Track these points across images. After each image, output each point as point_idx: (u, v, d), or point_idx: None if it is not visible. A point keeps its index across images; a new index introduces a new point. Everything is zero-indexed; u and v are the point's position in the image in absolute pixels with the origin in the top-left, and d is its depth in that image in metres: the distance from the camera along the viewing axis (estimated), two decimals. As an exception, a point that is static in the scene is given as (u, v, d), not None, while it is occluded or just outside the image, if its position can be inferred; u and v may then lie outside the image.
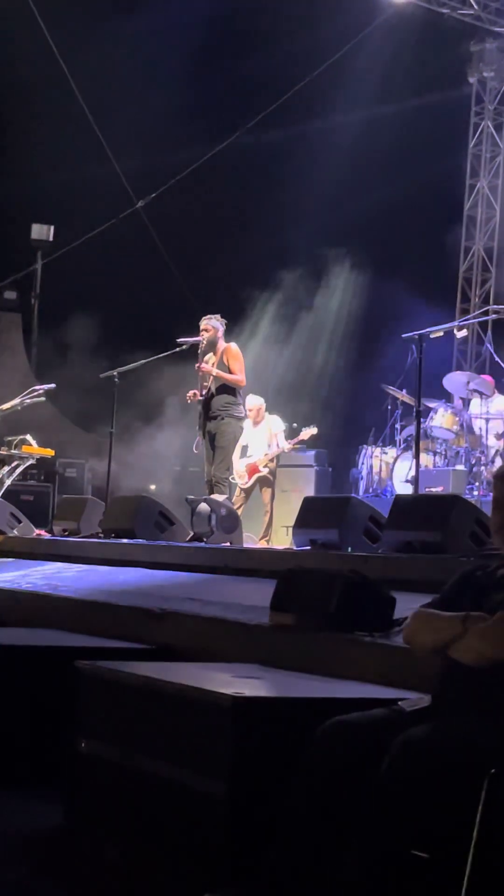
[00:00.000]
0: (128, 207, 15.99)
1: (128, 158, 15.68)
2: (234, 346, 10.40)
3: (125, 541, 8.45)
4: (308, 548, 7.27)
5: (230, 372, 10.20)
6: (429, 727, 3.12)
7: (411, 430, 11.69)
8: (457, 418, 12.01)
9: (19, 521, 9.91)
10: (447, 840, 2.96)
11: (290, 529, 8.34)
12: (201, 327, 10.43)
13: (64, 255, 16.57)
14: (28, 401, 11.34)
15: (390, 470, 12.16)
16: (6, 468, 11.30)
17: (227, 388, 10.20)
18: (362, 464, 12.75)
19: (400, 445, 12.47)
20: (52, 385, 11.73)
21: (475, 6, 16.56)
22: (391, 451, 12.46)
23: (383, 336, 14.56)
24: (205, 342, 10.34)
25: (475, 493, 10.85)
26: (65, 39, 15.13)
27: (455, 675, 3.30)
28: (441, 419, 11.97)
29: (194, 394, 10.32)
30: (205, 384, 10.25)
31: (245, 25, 15.88)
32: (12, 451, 11.37)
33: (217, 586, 6.53)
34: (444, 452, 12.08)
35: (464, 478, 11.38)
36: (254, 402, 11.91)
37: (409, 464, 11.33)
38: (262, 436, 12.08)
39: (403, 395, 12.44)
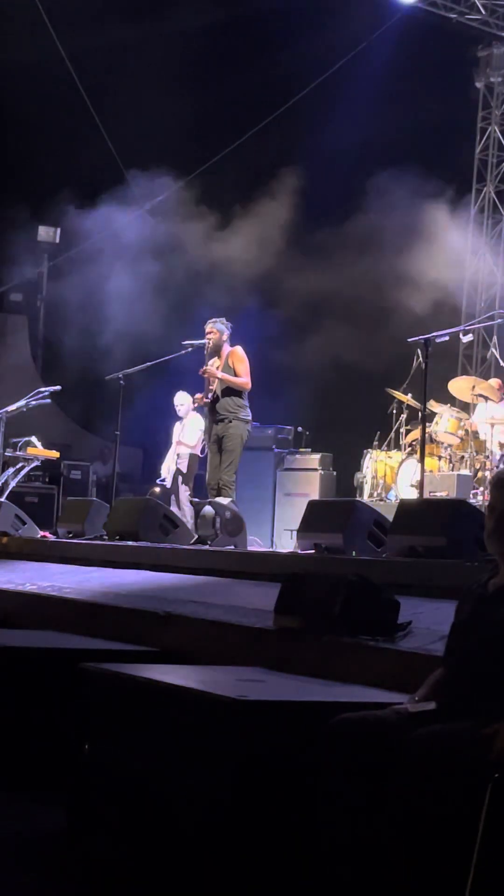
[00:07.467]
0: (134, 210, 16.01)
1: (134, 162, 15.69)
2: (239, 349, 10.37)
3: (129, 543, 8.45)
4: (312, 552, 7.27)
5: (235, 375, 10.18)
6: (434, 731, 3.13)
7: (416, 434, 11.69)
8: (462, 423, 12.01)
9: (24, 523, 9.92)
10: (451, 842, 2.97)
11: (295, 533, 8.33)
12: (206, 330, 10.42)
13: (69, 257, 16.58)
14: (33, 403, 11.34)
15: (395, 474, 12.15)
16: (11, 470, 11.31)
17: (233, 391, 10.18)
18: (367, 468, 12.73)
19: (405, 450, 12.46)
20: (58, 387, 11.72)
21: (482, 11, 16.58)
22: (396, 456, 12.44)
23: (389, 340, 14.53)
24: (210, 345, 10.35)
25: (480, 497, 10.84)
26: (72, 43, 15.15)
27: (461, 682, 3.30)
28: (446, 423, 11.97)
29: (201, 397, 10.35)
30: (210, 387, 10.24)
31: (252, 31, 15.89)
32: (17, 452, 11.38)
33: (221, 589, 6.52)
34: (448, 457, 12.08)
35: (468, 482, 11.37)
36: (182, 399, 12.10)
37: (414, 468, 11.32)
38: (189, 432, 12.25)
39: (409, 399, 12.44)
